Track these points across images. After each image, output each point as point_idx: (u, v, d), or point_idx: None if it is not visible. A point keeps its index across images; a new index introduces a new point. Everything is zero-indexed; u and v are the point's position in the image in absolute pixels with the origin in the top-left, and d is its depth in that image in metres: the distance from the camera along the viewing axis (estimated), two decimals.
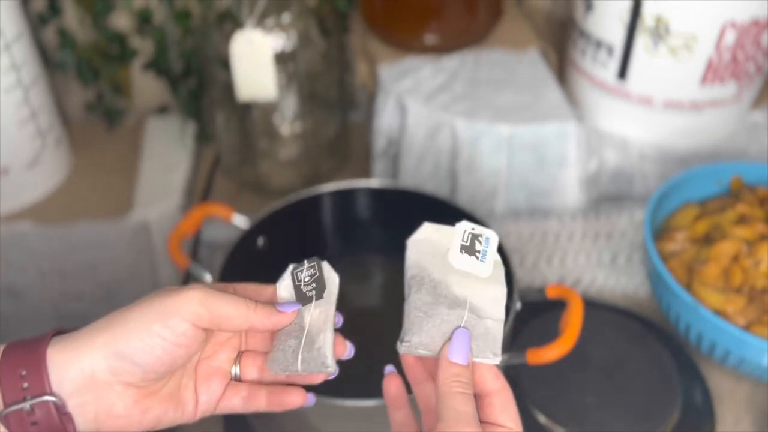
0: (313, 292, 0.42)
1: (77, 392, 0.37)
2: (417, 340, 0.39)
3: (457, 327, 0.39)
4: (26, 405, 0.36)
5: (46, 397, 0.37)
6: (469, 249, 0.42)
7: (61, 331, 0.39)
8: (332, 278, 0.43)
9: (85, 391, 0.37)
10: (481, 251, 0.42)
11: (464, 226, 0.42)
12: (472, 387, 0.38)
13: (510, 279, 0.59)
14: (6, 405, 0.36)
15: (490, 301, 0.40)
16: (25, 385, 0.37)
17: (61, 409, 0.37)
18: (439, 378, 0.38)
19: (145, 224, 0.89)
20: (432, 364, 0.41)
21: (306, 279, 0.43)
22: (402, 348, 0.39)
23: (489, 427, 0.38)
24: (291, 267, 0.43)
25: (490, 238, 0.42)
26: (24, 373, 0.37)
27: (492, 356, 0.38)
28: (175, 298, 0.38)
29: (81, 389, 0.37)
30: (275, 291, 0.44)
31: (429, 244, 0.43)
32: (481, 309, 0.40)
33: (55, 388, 0.37)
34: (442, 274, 0.41)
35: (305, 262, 0.43)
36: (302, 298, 0.42)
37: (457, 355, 0.38)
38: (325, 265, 0.43)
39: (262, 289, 0.44)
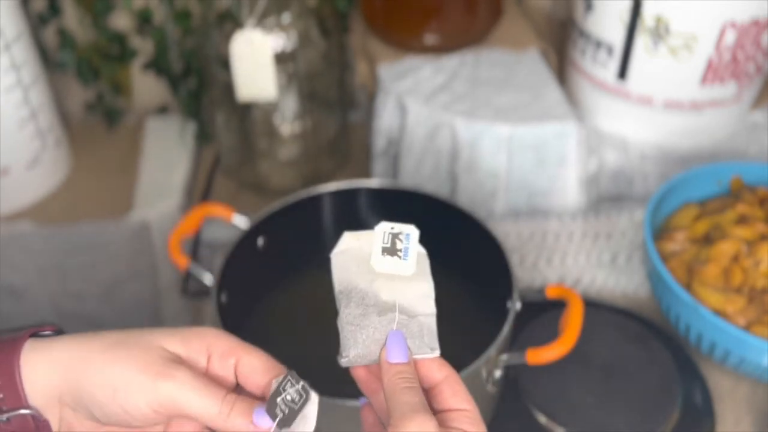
0: (283, 414, 0.37)
1: (48, 407, 0.37)
2: (354, 353, 0.39)
3: (390, 330, 0.39)
4: (3, 417, 0.36)
5: (23, 411, 0.36)
6: (391, 250, 0.42)
7: (35, 332, 0.39)
8: (310, 417, 0.38)
9: (53, 407, 0.37)
10: (403, 249, 0.42)
11: (383, 227, 0.42)
12: (417, 381, 0.37)
13: (510, 279, 0.59)
14: None
15: (419, 298, 0.41)
16: (0, 395, 0.36)
17: (37, 419, 0.37)
18: (383, 381, 0.38)
19: (145, 224, 0.89)
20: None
21: (288, 397, 0.38)
22: (342, 363, 0.40)
23: (444, 415, 0.37)
24: (285, 375, 0.39)
25: (410, 234, 0.42)
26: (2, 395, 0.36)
27: (430, 351, 0.39)
28: (144, 381, 0.36)
29: (50, 406, 0.37)
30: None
31: (352, 254, 0.43)
32: (411, 308, 0.40)
33: (30, 400, 0.37)
34: (368, 282, 0.41)
35: (302, 382, 0.39)
36: (271, 409, 0.37)
37: (394, 355, 0.38)
38: (313, 404, 0.39)
39: (270, 369, 0.40)
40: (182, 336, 0.38)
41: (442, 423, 0.37)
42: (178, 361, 0.37)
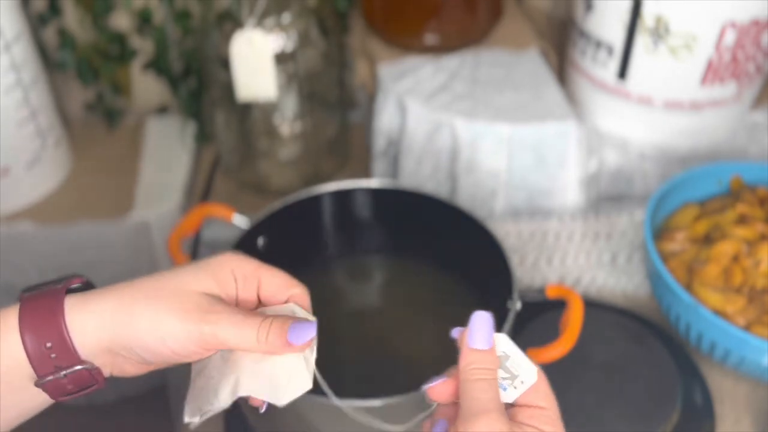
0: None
1: (98, 356, 0.39)
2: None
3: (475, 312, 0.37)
4: (60, 375, 0.38)
5: (78, 367, 0.38)
6: None
7: (70, 286, 0.40)
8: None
9: (104, 356, 0.39)
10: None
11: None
12: (495, 372, 0.36)
13: (510, 279, 0.59)
14: (40, 375, 0.38)
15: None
16: (53, 355, 0.38)
17: (91, 370, 0.39)
18: (459, 366, 0.37)
19: (145, 224, 0.89)
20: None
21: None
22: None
23: (522, 410, 0.36)
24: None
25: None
26: (49, 345, 0.38)
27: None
28: (188, 328, 0.38)
29: (101, 355, 0.39)
30: (303, 292, 0.42)
31: None
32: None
33: (82, 355, 0.38)
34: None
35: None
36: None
37: (476, 341, 0.36)
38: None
39: (290, 285, 0.42)
40: (211, 272, 0.41)
41: (516, 417, 0.36)
42: (215, 300, 0.40)
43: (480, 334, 0.36)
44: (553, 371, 0.61)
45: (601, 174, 0.90)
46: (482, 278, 0.65)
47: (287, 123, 0.92)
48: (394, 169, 0.92)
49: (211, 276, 0.41)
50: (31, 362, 0.38)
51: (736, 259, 0.70)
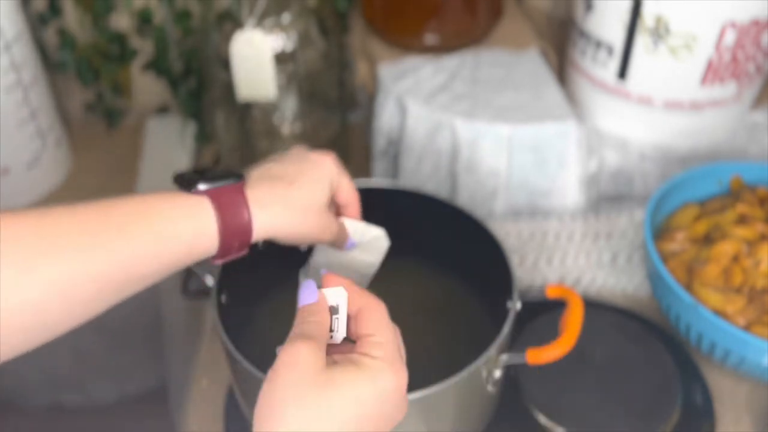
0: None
1: (257, 240, 0.49)
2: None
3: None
4: (233, 256, 0.48)
5: (246, 250, 0.49)
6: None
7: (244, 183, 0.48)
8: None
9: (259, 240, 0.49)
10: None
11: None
12: (318, 316, 0.42)
13: (510, 279, 0.59)
14: (221, 255, 0.47)
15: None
16: (235, 248, 0.47)
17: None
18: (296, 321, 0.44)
19: None
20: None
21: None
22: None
23: (359, 341, 0.41)
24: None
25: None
26: (236, 241, 0.47)
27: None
28: (318, 234, 0.52)
29: (258, 240, 0.49)
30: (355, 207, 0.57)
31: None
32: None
33: (252, 241, 0.48)
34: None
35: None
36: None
37: (303, 299, 0.44)
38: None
39: (354, 197, 0.56)
40: (329, 187, 0.52)
41: (357, 348, 0.41)
42: (333, 214, 0.54)
43: (305, 294, 0.44)
44: (553, 371, 0.61)
45: (601, 174, 0.90)
46: (482, 278, 0.65)
47: (287, 123, 0.92)
48: (394, 169, 0.92)
49: (328, 190, 0.52)
50: (220, 248, 0.46)
51: (736, 259, 0.70)
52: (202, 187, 0.46)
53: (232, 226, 0.46)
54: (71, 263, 0.40)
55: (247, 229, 0.47)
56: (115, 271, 0.42)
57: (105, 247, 0.42)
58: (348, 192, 0.55)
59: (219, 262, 0.48)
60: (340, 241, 0.55)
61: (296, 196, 0.49)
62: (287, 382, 0.37)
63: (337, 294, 0.43)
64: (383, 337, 0.41)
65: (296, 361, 0.38)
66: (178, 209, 0.45)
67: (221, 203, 0.46)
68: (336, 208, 0.57)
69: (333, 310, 0.43)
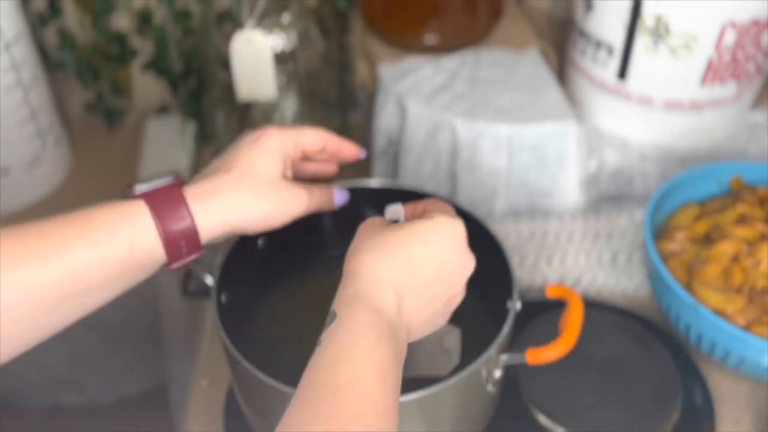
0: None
1: (212, 240, 0.49)
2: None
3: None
4: (187, 260, 0.47)
5: (198, 253, 0.47)
6: None
7: (180, 183, 0.48)
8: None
9: (215, 239, 0.49)
10: None
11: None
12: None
13: (510, 279, 0.59)
14: (171, 261, 0.46)
15: None
16: (184, 250, 0.46)
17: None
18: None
19: None
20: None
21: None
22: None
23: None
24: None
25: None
26: (183, 241, 0.46)
27: None
28: (284, 214, 0.51)
29: (213, 240, 0.49)
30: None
31: None
32: None
33: (203, 243, 0.48)
34: None
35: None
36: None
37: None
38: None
39: (322, 138, 0.55)
40: (281, 157, 0.51)
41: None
42: (295, 183, 0.52)
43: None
44: (553, 371, 0.61)
45: (601, 174, 0.90)
46: (482, 278, 0.65)
47: (287, 123, 0.92)
48: (394, 169, 0.92)
49: (278, 158, 0.50)
50: (167, 254, 0.45)
51: (736, 259, 0.70)
52: (137, 190, 0.46)
53: (172, 225, 0.45)
54: (8, 278, 0.40)
55: (190, 227, 0.46)
56: (55, 282, 0.42)
57: (44, 259, 0.42)
58: (315, 141, 0.54)
59: (174, 267, 0.47)
60: (321, 207, 0.54)
61: (237, 182, 0.48)
62: (362, 233, 0.47)
63: (395, 210, 0.52)
64: (441, 206, 0.49)
65: (370, 222, 0.49)
66: (112, 215, 0.45)
67: (156, 203, 0.45)
68: (328, 160, 0.57)
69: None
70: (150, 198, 0.45)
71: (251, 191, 0.48)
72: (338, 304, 0.44)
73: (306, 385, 0.40)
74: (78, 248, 0.43)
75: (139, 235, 0.45)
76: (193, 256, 0.47)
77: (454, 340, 0.59)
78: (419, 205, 0.51)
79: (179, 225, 0.45)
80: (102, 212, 0.45)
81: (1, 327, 0.40)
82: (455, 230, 0.47)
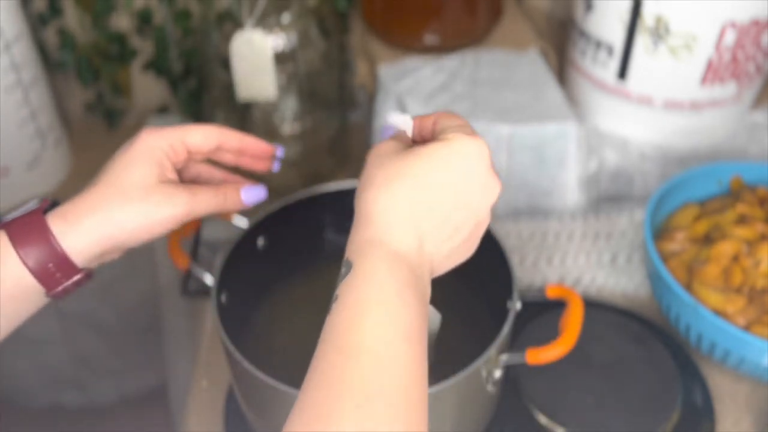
0: None
1: (92, 261, 0.46)
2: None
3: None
4: (66, 284, 0.45)
5: (79, 276, 0.45)
6: None
7: (44, 208, 0.46)
8: None
9: (95, 259, 0.46)
10: None
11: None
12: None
13: (510, 279, 0.59)
14: (49, 289, 0.44)
15: None
16: (57, 273, 0.44)
17: (87, 271, 0.46)
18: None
19: None
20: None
21: None
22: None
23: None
24: None
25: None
26: (52, 266, 0.44)
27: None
28: (169, 219, 0.47)
29: (93, 259, 0.46)
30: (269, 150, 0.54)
31: None
32: None
33: (79, 265, 0.45)
34: None
35: None
36: None
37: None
38: None
39: (215, 135, 0.51)
40: (154, 162, 0.48)
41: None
42: (173, 184, 0.48)
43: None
44: (553, 371, 0.61)
45: (601, 174, 0.90)
46: (482, 278, 0.65)
47: (287, 123, 0.92)
48: None
49: (152, 162, 0.47)
50: (39, 281, 0.44)
51: (736, 259, 0.70)
52: (2, 219, 0.45)
53: (35, 252, 0.43)
54: None
55: (56, 251, 0.43)
56: None
57: None
58: (203, 139, 0.50)
59: (58, 293, 0.45)
60: (219, 207, 0.50)
61: (103, 195, 0.45)
62: (371, 163, 0.43)
63: (403, 120, 0.46)
64: (455, 122, 0.44)
65: (380, 148, 0.44)
66: None
67: (15, 231, 0.43)
68: (236, 161, 0.54)
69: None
70: (9, 227, 0.44)
71: (119, 202, 0.45)
72: (351, 251, 0.40)
73: (324, 351, 0.37)
74: None
75: (4, 268, 0.43)
76: (72, 280, 0.45)
77: (433, 323, 0.55)
78: (427, 120, 0.46)
79: (42, 251, 0.43)
80: None
81: None
82: (478, 150, 0.43)
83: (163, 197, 0.46)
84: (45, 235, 0.43)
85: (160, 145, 0.49)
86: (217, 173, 0.55)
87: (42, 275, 0.44)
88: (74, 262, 0.44)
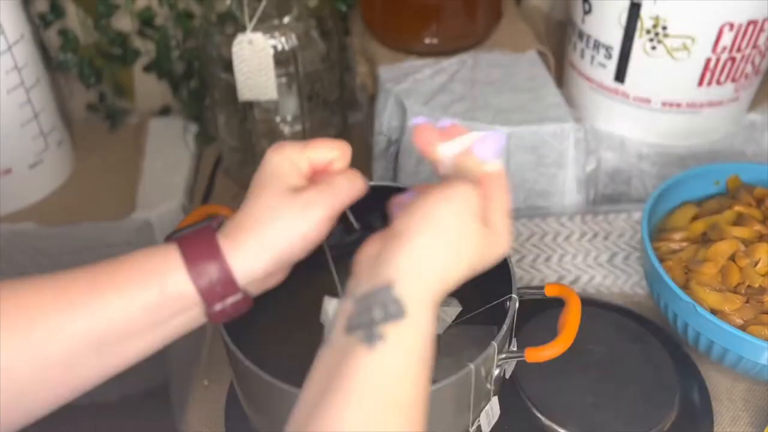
0: None
1: (252, 283, 0.46)
2: None
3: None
4: (226, 303, 0.45)
5: (239, 296, 0.45)
6: None
7: (217, 225, 0.46)
8: None
9: (256, 282, 0.47)
10: None
11: None
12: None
13: (509, 278, 0.59)
14: (209, 306, 0.45)
15: None
16: (219, 289, 0.44)
17: (247, 296, 0.46)
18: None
19: (147, 224, 0.90)
20: None
21: None
22: None
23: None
24: None
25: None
26: (218, 285, 0.44)
27: None
28: (315, 238, 0.47)
29: (253, 282, 0.46)
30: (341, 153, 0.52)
31: None
32: None
33: (240, 286, 0.45)
34: None
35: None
36: None
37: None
38: None
39: (331, 148, 0.51)
40: (285, 180, 0.47)
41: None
42: (311, 189, 0.47)
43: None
44: (551, 370, 0.62)
45: (599, 174, 0.91)
46: (481, 277, 0.65)
47: (288, 124, 0.93)
48: (394, 169, 0.93)
49: (285, 178, 0.47)
50: (202, 297, 0.44)
51: (733, 258, 0.70)
52: (174, 236, 0.45)
53: (203, 268, 0.43)
54: (39, 328, 0.40)
55: (223, 268, 0.44)
56: (82, 330, 0.41)
57: (71, 307, 0.41)
58: (322, 153, 0.51)
59: (216, 311, 0.45)
60: (351, 194, 0.50)
61: (254, 218, 0.46)
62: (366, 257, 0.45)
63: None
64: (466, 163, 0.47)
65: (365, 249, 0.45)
66: (143, 260, 0.44)
67: (187, 246, 0.44)
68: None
69: None
70: (182, 241, 0.44)
71: (268, 221, 0.45)
72: (401, 283, 0.40)
73: (358, 387, 0.37)
74: (107, 294, 0.42)
75: (170, 279, 0.43)
76: (232, 299, 0.45)
77: (450, 312, 0.60)
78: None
79: (211, 267, 0.44)
80: (133, 258, 0.44)
81: (30, 377, 0.40)
82: (473, 195, 0.45)
83: (303, 203, 0.46)
84: (215, 252, 0.44)
85: (292, 157, 0.49)
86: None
87: (206, 292, 0.44)
88: (237, 282, 0.45)
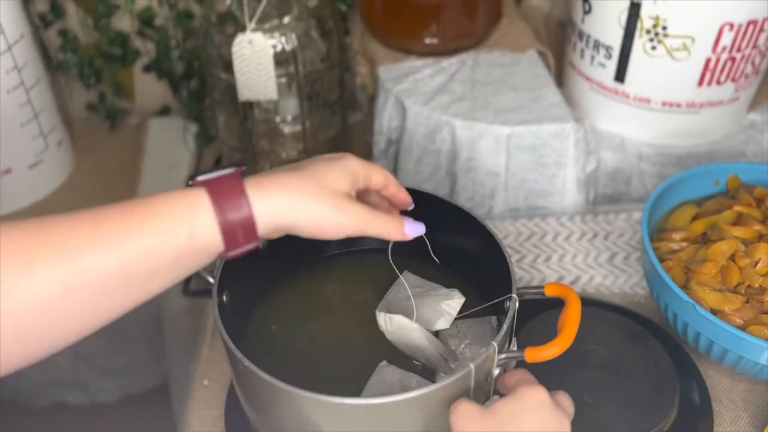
0: None
1: (267, 233, 0.48)
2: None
3: None
4: (244, 249, 0.47)
5: (256, 243, 0.47)
6: None
7: (241, 173, 0.48)
8: None
9: (270, 233, 0.48)
10: None
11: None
12: None
13: (509, 278, 0.59)
14: (229, 249, 0.46)
15: None
16: (241, 238, 0.46)
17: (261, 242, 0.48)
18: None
19: None
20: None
21: None
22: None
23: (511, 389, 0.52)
24: None
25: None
26: (239, 228, 0.46)
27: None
28: (342, 225, 0.49)
29: (268, 233, 0.48)
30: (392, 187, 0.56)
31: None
32: None
33: (259, 234, 0.47)
34: None
35: None
36: None
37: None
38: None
39: (386, 179, 0.55)
40: (349, 177, 0.50)
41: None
42: (352, 199, 0.50)
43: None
44: (550, 370, 0.62)
45: (599, 174, 0.91)
46: (481, 277, 0.65)
47: (288, 123, 0.93)
48: (394, 169, 0.93)
49: (349, 179, 0.50)
50: (224, 239, 0.45)
51: (733, 258, 0.70)
52: (199, 179, 0.47)
53: (231, 213, 0.45)
54: (70, 262, 0.41)
55: (248, 216, 0.46)
56: (114, 268, 0.42)
57: (102, 244, 0.42)
58: (381, 179, 0.54)
59: (231, 255, 0.47)
60: (385, 233, 0.52)
61: (300, 181, 0.48)
62: (460, 418, 0.49)
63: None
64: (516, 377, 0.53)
65: (464, 407, 0.50)
66: (173, 202, 0.45)
67: (216, 191, 0.45)
68: (384, 199, 0.58)
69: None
70: (210, 186, 0.46)
71: (312, 193, 0.48)
72: None
73: None
74: (138, 235, 0.43)
75: (199, 222, 0.45)
76: (249, 246, 0.47)
77: (454, 305, 0.62)
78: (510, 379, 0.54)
79: (237, 213, 0.46)
80: (162, 200, 0.45)
81: (61, 309, 0.41)
82: (538, 395, 0.50)
83: (347, 206, 0.49)
84: (242, 199, 0.46)
85: (358, 168, 0.52)
86: (384, 203, 0.59)
87: (229, 237, 0.46)
88: (258, 228, 0.47)
